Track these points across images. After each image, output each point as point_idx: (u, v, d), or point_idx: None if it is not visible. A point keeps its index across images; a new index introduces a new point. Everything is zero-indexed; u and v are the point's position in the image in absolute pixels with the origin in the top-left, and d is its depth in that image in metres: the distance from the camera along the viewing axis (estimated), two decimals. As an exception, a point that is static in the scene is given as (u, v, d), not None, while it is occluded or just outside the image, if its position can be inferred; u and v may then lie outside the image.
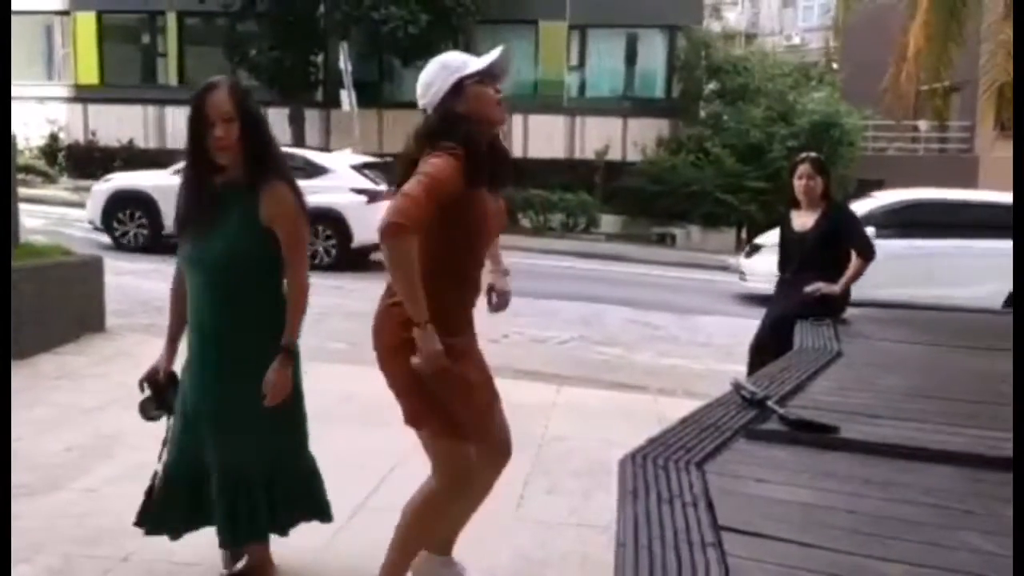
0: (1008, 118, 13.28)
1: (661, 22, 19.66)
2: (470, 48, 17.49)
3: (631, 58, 20.64)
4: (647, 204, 18.33)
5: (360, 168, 11.50)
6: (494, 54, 2.49)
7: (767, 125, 18.35)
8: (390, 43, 17.10)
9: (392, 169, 2.71)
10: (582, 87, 20.65)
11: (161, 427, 2.78)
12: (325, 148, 16.53)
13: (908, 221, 9.90)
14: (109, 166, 17.23)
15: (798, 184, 4.62)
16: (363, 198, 10.86)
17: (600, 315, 9.25)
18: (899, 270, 8.29)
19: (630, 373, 6.67)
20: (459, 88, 2.44)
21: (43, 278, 5.94)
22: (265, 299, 2.66)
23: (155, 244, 11.27)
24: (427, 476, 2.57)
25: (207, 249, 2.58)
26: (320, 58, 18.75)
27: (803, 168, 4.62)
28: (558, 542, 3.36)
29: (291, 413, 2.72)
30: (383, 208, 2.34)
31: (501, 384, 2.78)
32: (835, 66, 24.76)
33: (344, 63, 16.78)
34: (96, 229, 11.93)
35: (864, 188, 13.75)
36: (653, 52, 20.36)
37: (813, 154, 4.89)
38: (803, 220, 4.63)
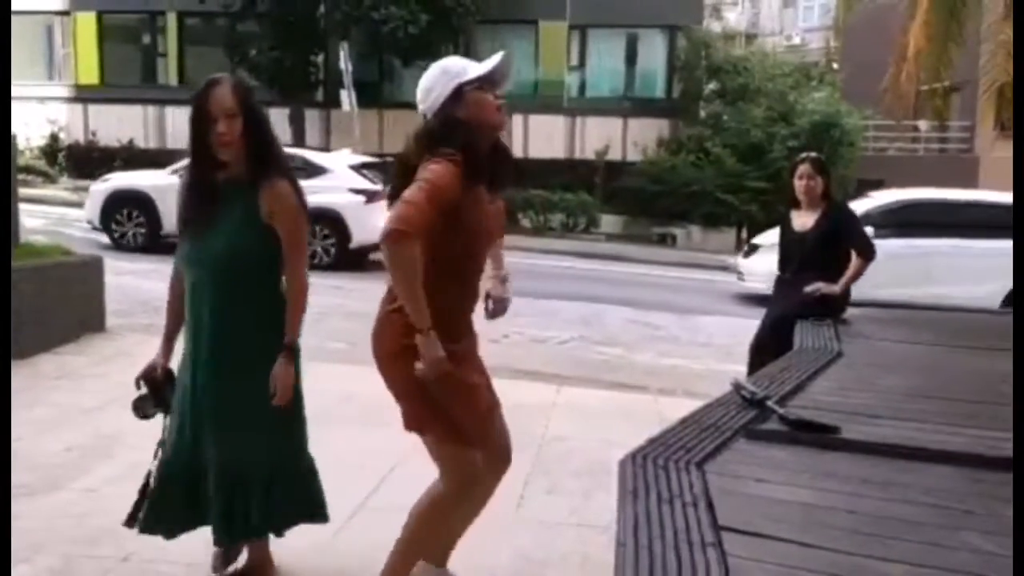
0: (1008, 118, 13.28)
1: (661, 22, 19.66)
2: (470, 48, 17.55)
3: (631, 58, 20.64)
4: (647, 204, 18.33)
5: (358, 168, 11.51)
6: (494, 60, 2.49)
7: (767, 125, 18.35)
8: (390, 43, 17.11)
9: (391, 169, 2.70)
10: (582, 87, 20.65)
11: (160, 427, 2.78)
12: (325, 148, 16.54)
13: (905, 221, 9.91)
14: (109, 166, 17.21)
15: (798, 184, 4.62)
16: (361, 198, 10.87)
17: (600, 315, 9.25)
18: (896, 270, 8.28)
19: (630, 373, 6.67)
20: (459, 94, 2.45)
21: (43, 278, 5.94)
22: (265, 297, 2.67)
23: (153, 244, 11.28)
24: (432, 479, 2.57)
25: (208, 245, 2.59)
26: (320, 58, 18.76)
27: (803, 168, 4.63)
28: (558, 542, 3.36)
29: (290, 412, 2.72)
30: (381, 208, 2.34)
31: (501, 384, 2.78)
32: (835, 66, 24.77)
33: (344, 63, 16.78)
34: (94, 229, 11.93)
35: (864, 188, 13.75)
36: (653, 52, 20.36)
37: (813, 154, 4.89)
38: (803, 220, 4.63)
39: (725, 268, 13.01)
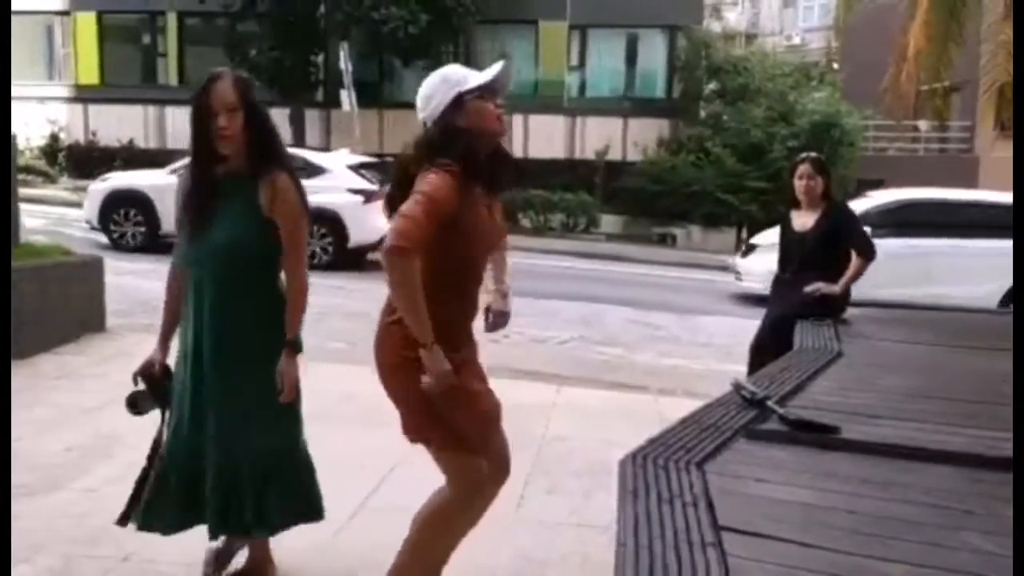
0: (1008, 118, 13.25)
1: (661, 22, 19.66)
2: (470, 48, 17.57)
3: (631, 58, 20.65)
4: (647, 204, 18.32)
5: (357, 168, 11.51)
6: (495, 69, 2.49)
7: (767, 125, 18.35)
8: (390, 43, 17.11)
9: (391, 171, 2.70)
10: (582, 87, 20.65)
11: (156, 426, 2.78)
12: (326, 148, 16.54)
13: (903, 221, 9.92)
14: (109, 166, 17.22)
15: (798, 184, 4.62)
16: (359, 198, 10.87)
17: (600, 315, 9.25)
18: (895, 269, 8.28)
19: (630, 373, 6.67)
20: (459, 102, 2.44)
21: (43, 278, 5.94)
22: (264, 293, 2.68)
23: (152, 244, 11.27)
24: (433, 481, 2.56)
25: (209, 239, 2.59)
26: (320, 58, 18.76)
27: (803, 168, 4.63)
28: (558, 542, 3.36)
29: (289, 409, 2.72)
30: (379, 208, 2.34)
31: (501, 384, 2.78)
32: (835, 66, 24.74)
33: (344, 63, 16.78)
34: (93, 229, 11.92)
35: (864, 188, 13.75)
36: (653, 52, 20.36)
37: (813, 154, 4.89)
38: (803, 220, 4.63)
39: (725, 268, 13.00)
